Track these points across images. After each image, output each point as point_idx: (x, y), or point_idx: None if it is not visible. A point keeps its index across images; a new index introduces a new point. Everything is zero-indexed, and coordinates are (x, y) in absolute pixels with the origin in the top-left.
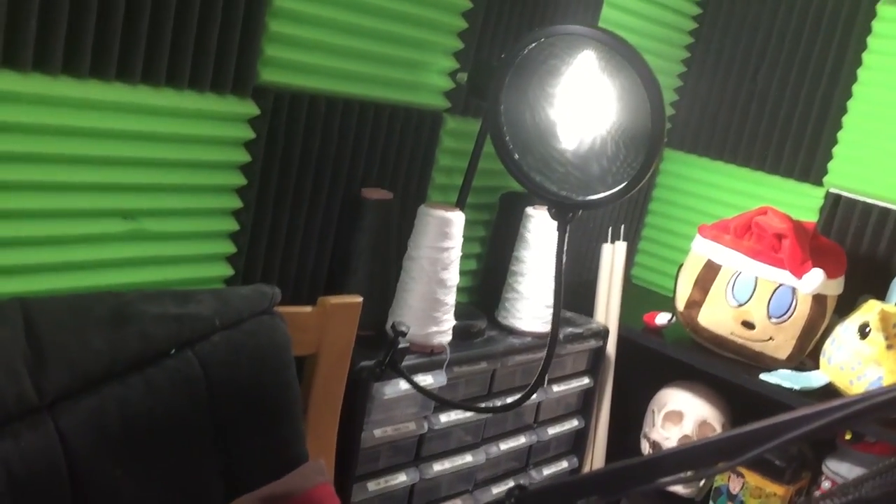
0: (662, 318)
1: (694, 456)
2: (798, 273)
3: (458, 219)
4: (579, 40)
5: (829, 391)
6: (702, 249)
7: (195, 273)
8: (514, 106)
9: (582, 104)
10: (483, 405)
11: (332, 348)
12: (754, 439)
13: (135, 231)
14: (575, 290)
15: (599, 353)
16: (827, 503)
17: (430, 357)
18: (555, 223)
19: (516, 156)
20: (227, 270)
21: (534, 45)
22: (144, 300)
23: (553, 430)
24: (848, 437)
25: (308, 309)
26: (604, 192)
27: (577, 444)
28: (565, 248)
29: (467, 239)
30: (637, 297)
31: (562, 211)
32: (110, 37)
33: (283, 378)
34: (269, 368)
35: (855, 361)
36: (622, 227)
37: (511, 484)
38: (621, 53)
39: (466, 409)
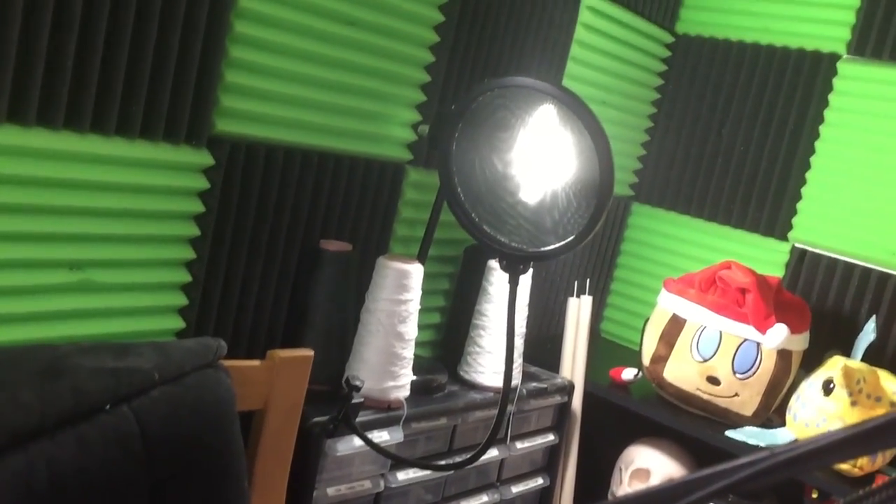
0: (629, 374)
1: None
2: (762, 328)
3: (416, 271)
4: (529, 93)
5: None
6: (667, 304)
7: (145, 326)
8: (466, 156)
9: (534, 156)
10: (443, 462)
11: (281, 403)
12: (680, 491)
13: (82, 282)
14: (541, 344)
15: (565, 408)
16: None
17: (387, 412)
18: (521, 275)
19: (467, 206)
20: (179, 323)
21: (483, 96)
22: (80, 353)
23: (517, 489)
24: (815, 495)
25: (256, 363)
26: (554, 244)
27: (542, 502)
28: (518, 300)
29: (431, 292)
30: (606, 351)
31: (512, 263)
32: (58, 84)
33: (226, 434)
34: (211, 424)
35: (819, 418)
36: (587, 280)
37: None
38: (568, 106)
39: (420, 466)
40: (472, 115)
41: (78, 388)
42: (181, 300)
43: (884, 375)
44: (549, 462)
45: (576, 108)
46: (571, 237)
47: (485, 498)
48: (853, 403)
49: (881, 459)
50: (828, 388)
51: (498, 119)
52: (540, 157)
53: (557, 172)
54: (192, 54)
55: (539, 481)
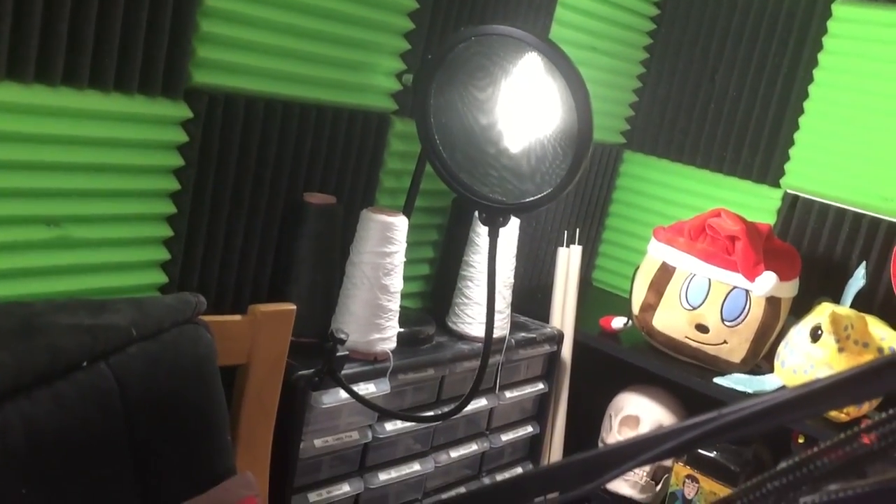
0: (618, 322)
1: (564, 473)
2: (750, 276)
3: (401, 223)
4: (505, 41)
5: None
6: (657, 252)
7: (127, 281)
8: (444, 107)
9: (514, 106)
10: (431, 413)
11: (264, 358)
12: (620, 456)
13: (60, 238)
14: (531, 294)
15: (554, 357)
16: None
17: (373, 365)
18: (501, 227)
19: (446, 158)
20: (161, 278)
21: (459, 45)
22: (56, 310)
23: (506, 437)
24: (801, 440)
25: (237, 317)
26: (534, 195)
27: (532, 450)
28: (502, 252)
29: (419, 244)
30: (598, 299)
31: (492, 215)
32: (27, 37)
33: (206, 390)
34: (191, 380)
35: (807, 365)
36: (577, 230)
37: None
38: (545, 54)
39: (402, 418)
40: (450, 64)
41: (54, 346)
42: (163, 255)
43: (871, 321)
44: (539, 410)
45: (553, 57)
46: (551, 188)
47: (474, 447)
48: (840, 350)
49: (867, 405)
50: (815, 334)
51: (476, 68)
52: (520, 108)
53: (537, 123)
54: (165, 2)
55: (529, 429)
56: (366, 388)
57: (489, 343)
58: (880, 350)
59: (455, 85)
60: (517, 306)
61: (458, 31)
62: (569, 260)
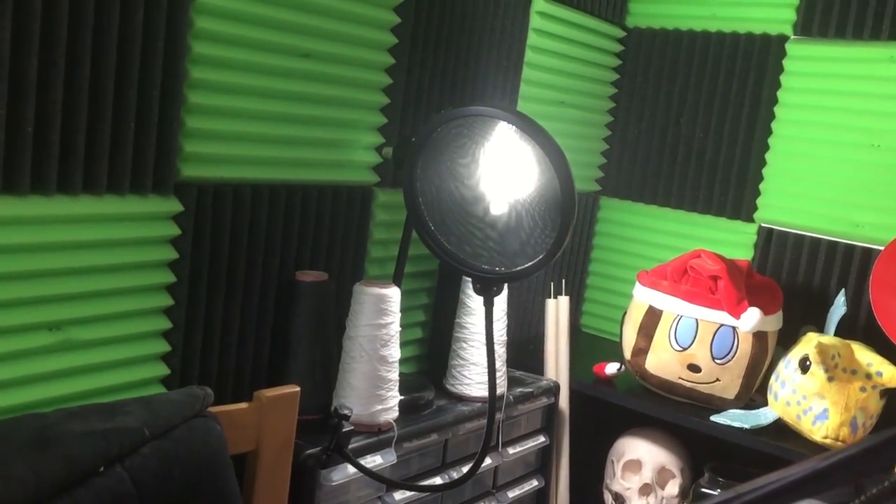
0: (612, 368)
1: None
2: (735, 313)
3: (394, 294)
4: (485, 120)
5: (780, 427)
6: (642, 297)
7: (130, 377)
8: (431, 186)
9: (498, 178)
10: (438, 477)
11: (272, 442)
12: None
13: (62, 342)
14: (523, 346)
15: (552, 409)
16: None
17: (377, 436)
18: (495, 296)
19: (438, 235)
20: (163, 370)
21: (441, 127)
22: (68, 419)
23: (513, 493)
24: None
25: (244, 405)
26: (525, 263)
27: (539, 503)
28: (496, 315)
29: (410, 308)
30: (588, 345)
31: (486, 285)
32: (21, 149)
33: (220, 481)
34: (205, 473)
35: (799, 396)
36: (563, 281)
37: None
38: (524, 130)
39: (414, 489)
40: (433, 144)
41: (70, 455)
42: (163, 347)
43: (857, 348)
44: (542, 463)
45: (530, 132)
46: (541, 255)
47: None
48: (830, 379)
49: (861, 431)
50: (804, 365)
51: (459, 147)
52: (505, 179)
53: (523, 192)
54: (150, 105)
55: (534, 483)
56: (373, 460)
57: (493, 411)
58: (868, 376)
59: (439, 162)
60: (511, 361)
61: (439, 113)
62: (557, 311)
